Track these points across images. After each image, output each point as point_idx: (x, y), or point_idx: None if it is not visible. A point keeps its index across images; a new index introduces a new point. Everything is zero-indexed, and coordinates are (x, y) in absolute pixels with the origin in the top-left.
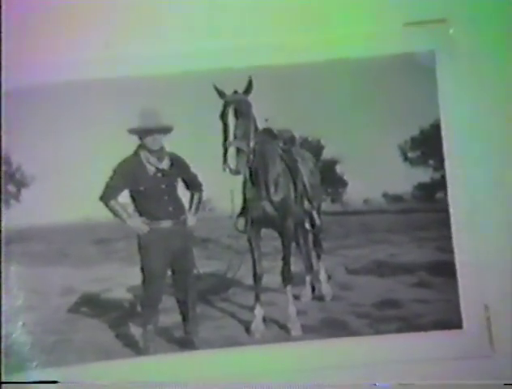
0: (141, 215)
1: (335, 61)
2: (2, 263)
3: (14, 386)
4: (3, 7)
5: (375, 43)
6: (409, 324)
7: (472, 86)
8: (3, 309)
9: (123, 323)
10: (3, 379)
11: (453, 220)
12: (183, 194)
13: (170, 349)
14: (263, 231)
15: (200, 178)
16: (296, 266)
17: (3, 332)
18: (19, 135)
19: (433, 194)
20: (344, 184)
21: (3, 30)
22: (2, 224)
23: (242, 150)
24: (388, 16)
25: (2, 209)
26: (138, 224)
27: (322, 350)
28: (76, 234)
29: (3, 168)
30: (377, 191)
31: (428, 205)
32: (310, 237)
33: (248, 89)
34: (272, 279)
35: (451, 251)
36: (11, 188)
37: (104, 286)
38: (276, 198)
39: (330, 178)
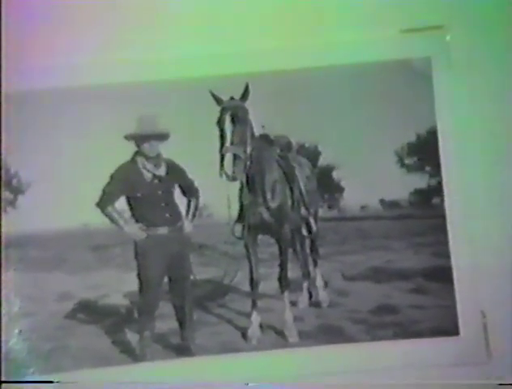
0: (138, 221)
1: (332, 68)
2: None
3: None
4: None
5: (372, 49)
6: (405, 330)
7: (469, 92)
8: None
9: (120, 330)
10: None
11: (449, 225)
12: (180, 200)
13: (167, 356)
14: (260, 237)
15: (197, 185)
16: (293, 272)
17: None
18: (15, 141)
19: (429, 200)
20: (341, 190)
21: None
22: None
23: (239, 156)
24: (385, 23)
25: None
26: (134, 230)
27: (319, 356)
28: (73, 240)
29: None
30: (374, 197)
31: (425, 211)
32: (307, 243)
33: (245, 95)
34: (269, 285)
35: (448, 257)
36: (8, 194)
37: (100, 292)
38: (273, 204)
39: (327, 184)
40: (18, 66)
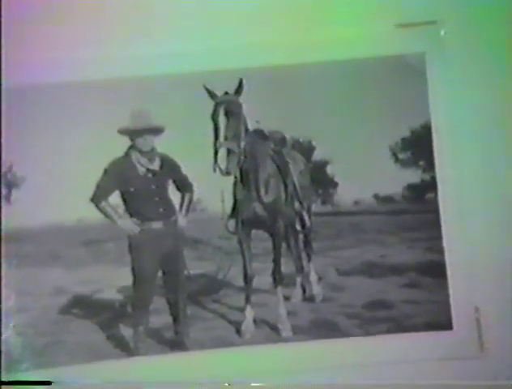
0: (132, 216)
1: (326, 63)
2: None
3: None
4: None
5: (366, 44)
6: (399, 325)
7: (463, 87)
8: None
9: (114, 324)
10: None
11: (443, 220)
12: (174, 195)
13: (161, 350)
14: (254, 232)
15: (191, 179)
16: (286, 267)
17: None
18: (9, 135)
19: (423, 195)
20: (335, 185)
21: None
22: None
23: (233, 151)
24: (379, 18)
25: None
26: (128, 225)
27: (313, 351)
28: (67, 235)
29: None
30: (368, 192)
31: (419, 206)
32: (301, 238)
33: (239, 90)
34: (263, 280)
35: (441, 252)
36: (2, 189)
37: (95, 287)
38: (267, 199)
39: (321, 179)
40: (16, 60)
